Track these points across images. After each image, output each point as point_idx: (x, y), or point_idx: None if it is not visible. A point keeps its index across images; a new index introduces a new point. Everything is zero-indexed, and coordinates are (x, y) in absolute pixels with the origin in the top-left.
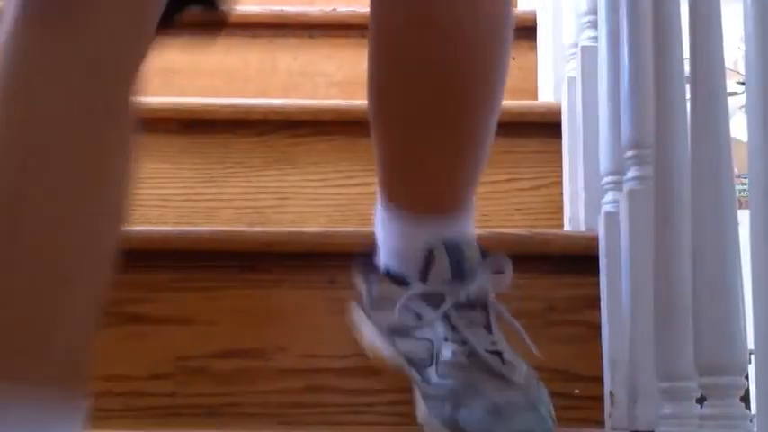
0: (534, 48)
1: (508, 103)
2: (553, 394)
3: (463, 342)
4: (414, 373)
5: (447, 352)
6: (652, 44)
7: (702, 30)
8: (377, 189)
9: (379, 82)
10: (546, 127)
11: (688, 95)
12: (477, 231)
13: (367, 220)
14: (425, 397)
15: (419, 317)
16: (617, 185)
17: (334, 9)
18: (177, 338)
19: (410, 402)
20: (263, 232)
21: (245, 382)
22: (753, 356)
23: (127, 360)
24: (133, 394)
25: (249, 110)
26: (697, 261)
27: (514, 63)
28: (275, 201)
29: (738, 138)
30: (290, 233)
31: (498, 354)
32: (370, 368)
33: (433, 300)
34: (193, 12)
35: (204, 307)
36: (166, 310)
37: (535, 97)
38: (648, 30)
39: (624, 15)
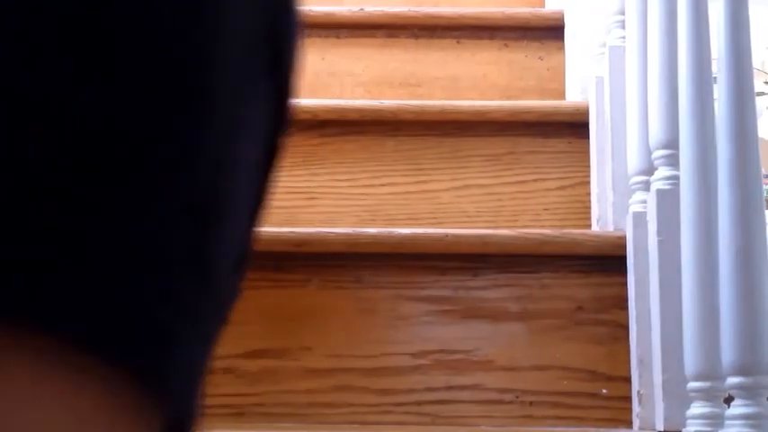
0: (562, 48)
1: (536, 102)
2: (581, 394)
3: None
4: None
5: None
6: (681, 45)
7: (730, 31)
8: None
9: None
10: (573, 127)
11: (716, 96)
12: (506, 232)
13: (395, 220)
14: None
15: None
16: (645, 185)
17: (362, 9)
18: None
19: (437, 402)
20: (292, 232)
21: (273, 382)
22: None
23: None
24: None
25: None
26: (724, 261)
27: (542, 63)
28: (304, 201)
29: (766, 138)
30: (318, 233)
31: None
32: (397, 368)
33: None
34: None
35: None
36: None
37: (563, 97)
38: (677, 30)
39: (654, 16)
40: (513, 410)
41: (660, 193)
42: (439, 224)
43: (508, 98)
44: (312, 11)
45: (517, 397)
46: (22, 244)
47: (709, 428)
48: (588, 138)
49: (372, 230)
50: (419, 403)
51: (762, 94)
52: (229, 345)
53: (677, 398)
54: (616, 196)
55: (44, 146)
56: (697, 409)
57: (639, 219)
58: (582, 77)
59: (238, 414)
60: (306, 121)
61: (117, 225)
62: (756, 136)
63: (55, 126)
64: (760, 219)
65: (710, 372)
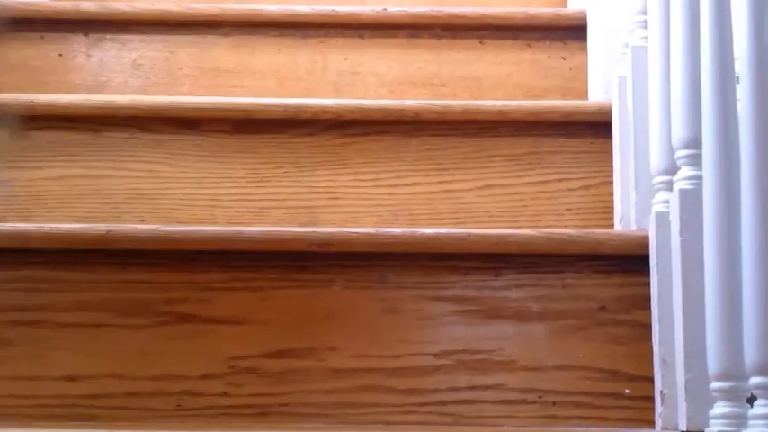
0: (584, 48)
1: (558, 102)
2: (603, 394)
3: None
4: None
5: None
6: (704, 44)
7: (753, 30)
8: None
9: None
10: (596, 126)
11: (739, 95)
12: (528, 231)
13: (418, 219)
14: None
15: None
16: (668, 185)
17: (385, 9)
18: (229, 338)
19: (460, 402)
20: (315, 232)
21: (297, 382)
22: None
23: (178, 360)
24: (185, 394)
25: (300, 109)
26: (747, 261)
27: (565, 63)
28: (326, 200)
29: None
30: (341, 233)
31: None
32: (420, 368)
33: None
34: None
35: (255, 307)
36: (218, 309)
37: (585, 97)
38: (700, 30)
39: (676, 16)
40: (535, 410)
41: (683, 192)
42: (461, 224)
43: (531, 98)
44: (335, 11)
45: (540, 397)
46: None
47: (732, 428)
48: (611, 138)
49: (396, 230)
50: (442, 403)
51: None
52: (253, 345)
53: (700, 398)
54: (639, 196)
55: None
56: (720, 408)
57: (662, 219)
58: (604, 77)
59: (262, 414)
60: (329, 120)
61: None
62: None
63: None
64: None
65: (733, 371)
